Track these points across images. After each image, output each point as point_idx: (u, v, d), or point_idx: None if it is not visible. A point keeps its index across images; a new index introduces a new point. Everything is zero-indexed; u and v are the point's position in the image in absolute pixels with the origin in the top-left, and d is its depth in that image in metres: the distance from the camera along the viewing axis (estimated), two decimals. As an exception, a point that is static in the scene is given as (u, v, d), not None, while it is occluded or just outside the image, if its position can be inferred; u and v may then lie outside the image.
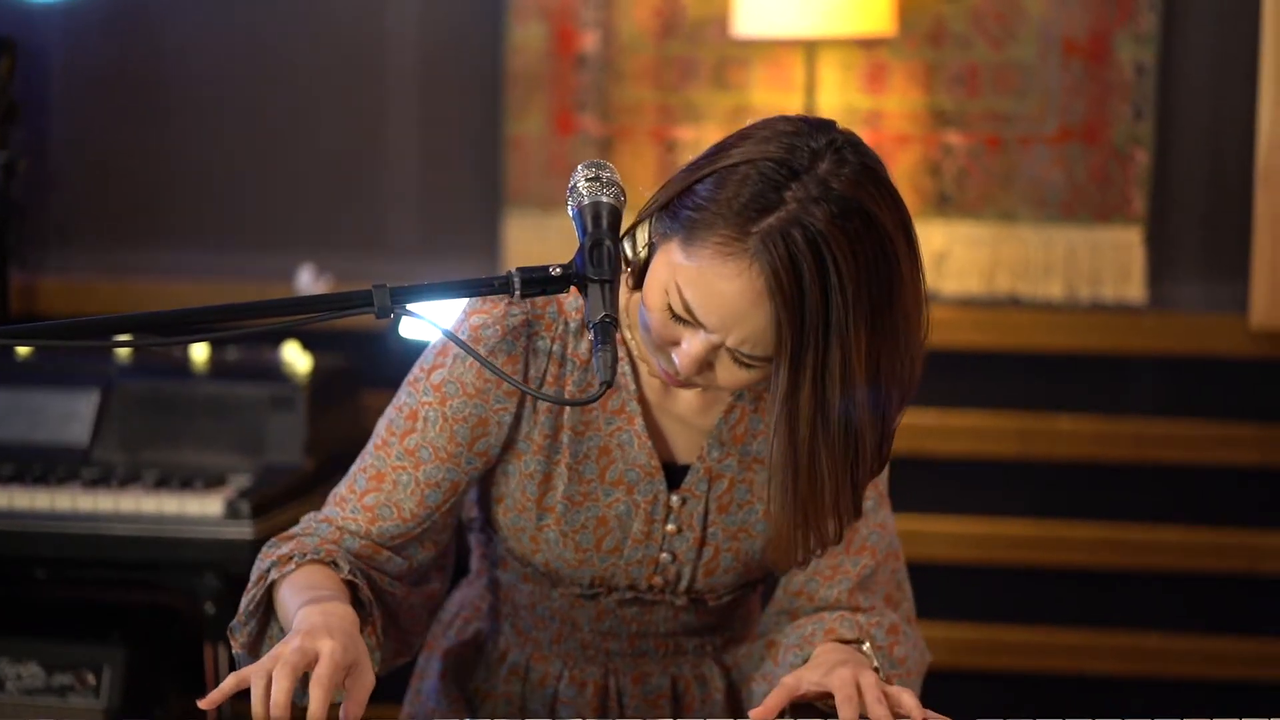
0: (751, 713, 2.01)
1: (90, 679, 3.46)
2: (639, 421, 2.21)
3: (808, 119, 2.02)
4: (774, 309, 1.93)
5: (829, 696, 2.02)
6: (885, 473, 2.27)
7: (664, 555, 2.26)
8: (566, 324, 2.19)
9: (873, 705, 1.98)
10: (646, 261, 2.06)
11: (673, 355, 2.03)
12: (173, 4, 4.39)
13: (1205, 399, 4.17)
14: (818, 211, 1.92)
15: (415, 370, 2.22)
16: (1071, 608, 4.24)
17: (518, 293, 2.00)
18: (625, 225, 2.07)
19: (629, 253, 2.08)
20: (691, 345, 2.00)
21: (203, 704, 1.85)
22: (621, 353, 2.19)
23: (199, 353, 3.74)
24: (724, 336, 1.98)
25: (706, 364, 2.02)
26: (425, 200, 4.36)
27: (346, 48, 4.36)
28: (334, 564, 2.11)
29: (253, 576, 2.14)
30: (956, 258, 4.14)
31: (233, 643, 2.13)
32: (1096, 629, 4.24)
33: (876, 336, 1.96)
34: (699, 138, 4.15)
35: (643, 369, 2.21)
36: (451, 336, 2.06)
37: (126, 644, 3.51)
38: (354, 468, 2.24)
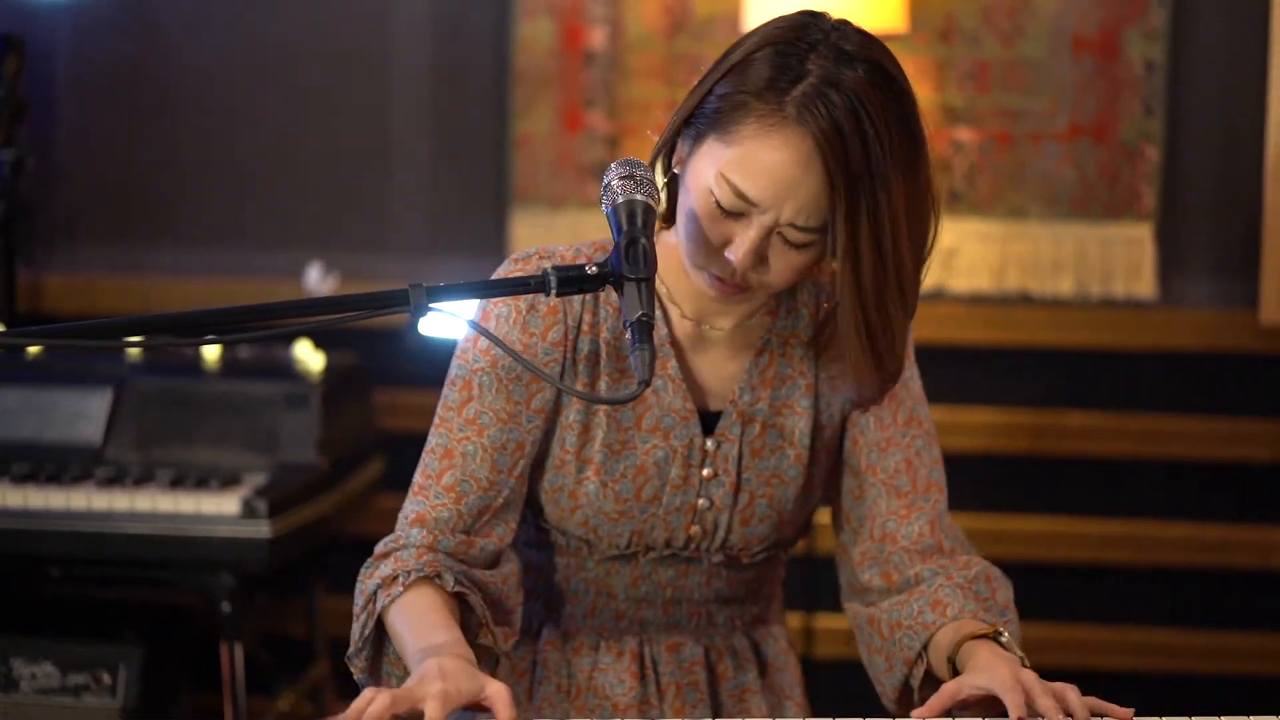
0: (914, 713, 2.06)
1: (105, 678, 3.45)
2: (673, 365, 2.28)
3: (799, 12, 2.15)
4: (824, 167, 2.04)
5: (990, 699, 2.05)
6: (928, 411, 2.41)
7: (701, 501, 2.31)
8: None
9: (1039, 697, 2.01)
10: (672, 195, 2.18)
11: (727, 254, 2.10)
12: (180, 2, 4.38)
13: (1215, 395, 4.17)
14: (846, 72, 2.05)
15: (461, 344, 2.27)
16: (1082, 603, 4.25)
17: (554, 292, 2.01)
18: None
19: (657, 181, 2.16)
20: (745, 236, 2.09)
21: None
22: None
23: (211, 351, 3.72)
24: (778, 213, 2.07)
25: (760, 256, 2.10)
26: (433, 198, 4.36)
27: (353, 45, 4.35)
28: (438, 577, 2.12)
29: (359, 600, 2.16)
30: (966, 254, 4.14)
31: (353, 669, 2.16)
32: (1107, 624, 4.25)
33: (909, 181, 2.10)
34: (708, 134, 4.14)
35: (674, 313, 2.28)
36: (480, 329, 2.09)
37: (142, 643, 3.50)
38: (423, 457, 2.26)
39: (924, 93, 4.12)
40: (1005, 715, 2.01)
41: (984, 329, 4.14)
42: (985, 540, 4.17)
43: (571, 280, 2.01)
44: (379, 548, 2.22)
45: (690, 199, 2.11)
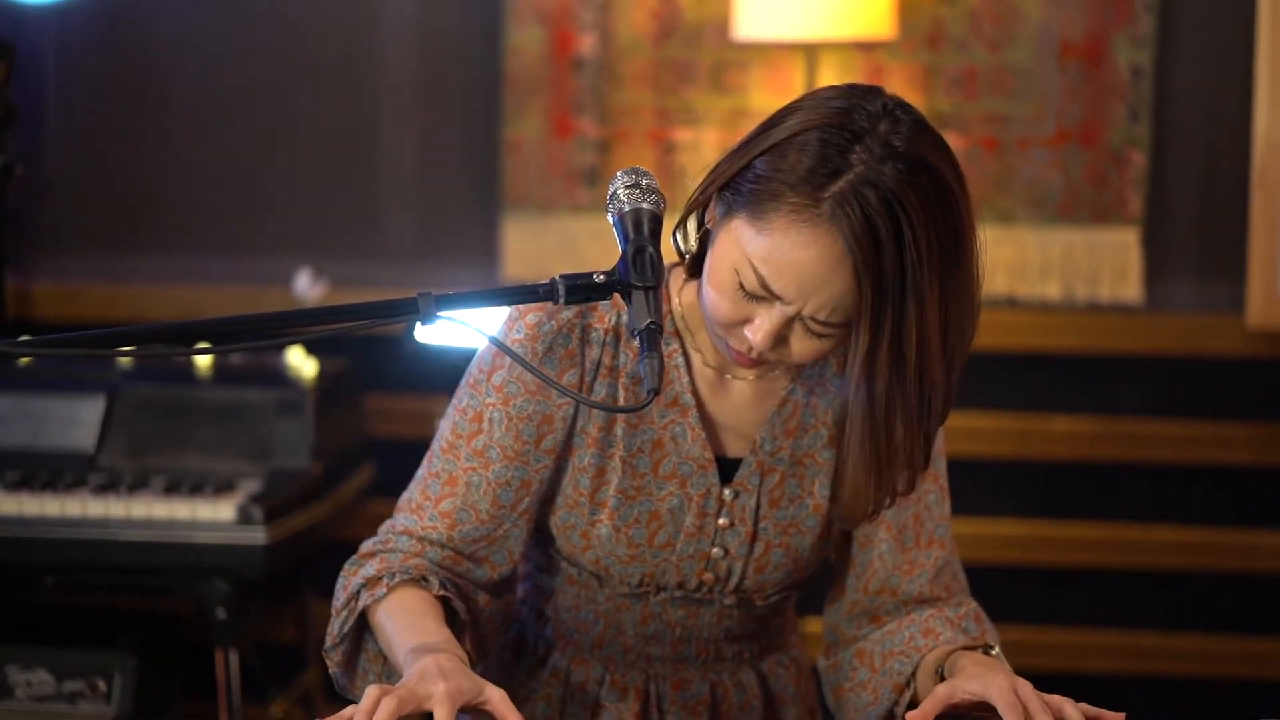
0: (908, 715, 2.04)
1: (101, 685, 3.45)
2: (693, 414, 2.23)
3: (854, 85, 2.06)
4: (853, 271, 1.95)
5: (983, 707, 2.04)
6: (944, 465, 2.33)
7: (716, 550, 2.27)
8: (618, 313, 2.21)
9: (1038, 713, 2.00)
10: (703, 248, 2.10)
11: (745, 332, 2.04)
12: (168, 8, 4.37)
13: (1201, 399, 4.20)
14: (888, 170, 1.94)
15: (474, 372, 2.23)
16: (1067, 607, 4.27)
17: (562, 299, 2.00)
18: (669, 223, 2.08)
19: (681, 244, 2.13)
20: (766, 320, 2.02)
21: None
22: (675, 345, 2.22)
23: (203, 357, 3.71)
24: (801, 306, 2.00)
25: (780, 338, 2.04)
26: (423, 203, 4.36)
27: (343, 51, 4.35)
28: (424, 580, 2.12)
29: (340, 597, 2.15)
30: (954, 259, 4.14)
31: (329, 663, 2.16)
32: (1092, 628, 4.27)
33: (947, 290, 1.99)
34: (697, 140, 4.16)
35: (695, 360, 2.23)
36: (499, 344, 2.08)
37: (136, 650, 3.50)
38: (422, 472, 2.24)
39: (912, 99, 4.10)
40: None
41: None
42: (970, 544, 4.18)
43: (579, 289, 1.99)
44: (365, 546, 2.21)
45: (714, 273, 2.05)
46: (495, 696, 1.91)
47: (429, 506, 2.21)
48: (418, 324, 1.98)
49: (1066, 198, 4.15)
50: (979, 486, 4.20)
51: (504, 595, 2.31)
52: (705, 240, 2.10)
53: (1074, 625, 4.26)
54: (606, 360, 2.21)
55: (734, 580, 2.30)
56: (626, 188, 2.05)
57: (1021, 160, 4.15)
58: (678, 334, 2.23)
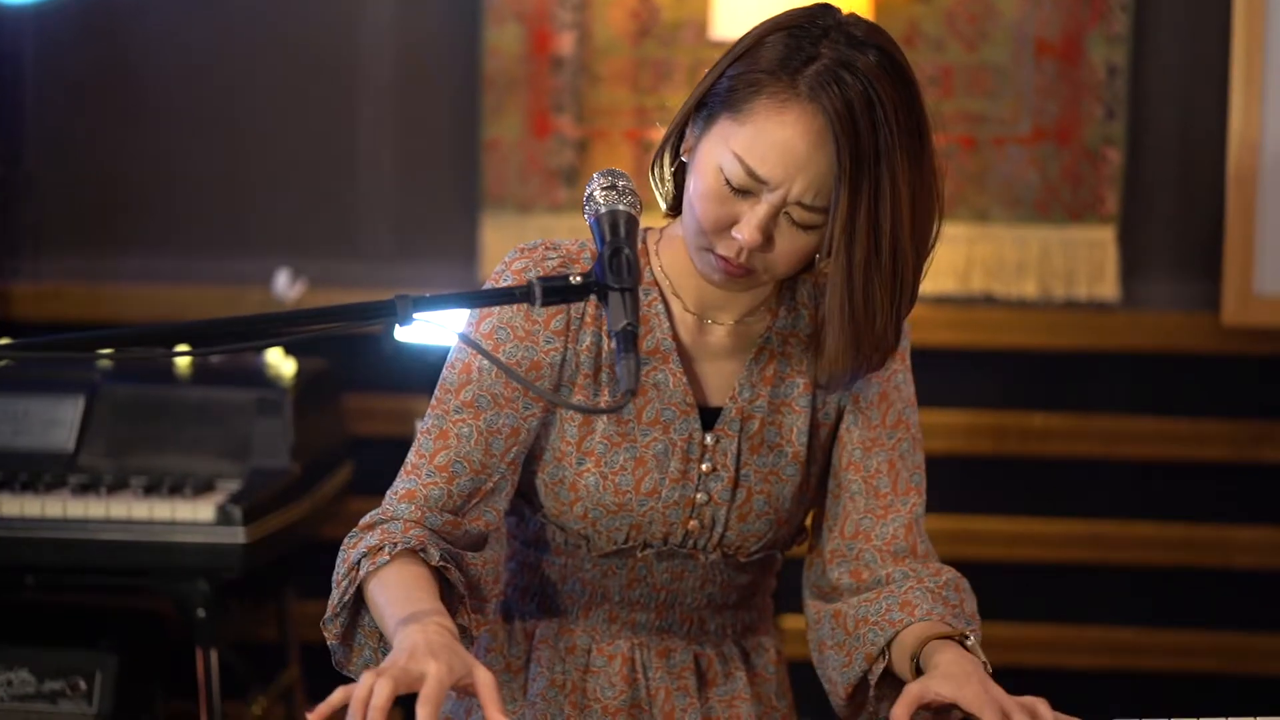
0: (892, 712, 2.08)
1: (82, 685, 3.45)
2: (674, 359, 2.31)
3: (810, 4, 2.21)
4: (834, 144, 2.08)
5: (954, 708, 2.07)
6: (917, 417, 2.43)
7: (700, 495, 2.33)
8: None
9: (1015, 712, 2.04)
10: (680, 183, 2.23)
11: (734, 234, 2.13)
12: (147, 8, 4.36)
13: (1178, 396, 4.21)
14: (858, 55, 2.09)
15: (463, 330, 2.28)
16: (1045, 603, 4.28)
17: (539, 302, 2.03)
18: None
19: (658, 183, 2.27)
20: (754, 213, 2.12)
21: (312, 717, 1.86)
22: (655, 294, 2.31)
23: (182, 358, 3.72)
24: (787, 190, 2.10)
25: (767, 236, 2.13)
26: (401, 203, 4.36)
27: (321, 50, 4.35)
28: (423, 550, 2.13)
29: (341, 568, 2.16)
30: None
31: (326, 635, 2.17)
32: (1070, 624, 4.28)
33: (915, 169, 2.13)
34: (675, 139, 4.16)
35: (676, 307, 2.31)
36: (469, 341, 2.11)
37: (117, 650, 3.50)
38: (417, 436, 2.28)
39: (889, 97, 4.13)
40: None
41: (949, 330, 4.17)
42: (950, 540, 4.20)
43: (556, 290, 2.03)
44: (365, 519, 2.23)
45: (699, 180, 2.15)
46: (482, 680, 1.92)
47: (424, 464, 2.25)
48: (408, 327, 2.00)
49: (1043, 196, 4.16)
50: (956, 484, 4.20)
51: (493, 551, 2.31)
52: (681, 174, 2.23)
53: (1052, 622, 4.27)
54: (591, 309, 2.29)
55: (718, 530, 2.35)
56: (603, 189, 2.10)
57: (998, 158, 4.16)
58: (656, 284, 2.31)
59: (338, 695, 1.88)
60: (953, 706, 2.08)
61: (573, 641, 2.42)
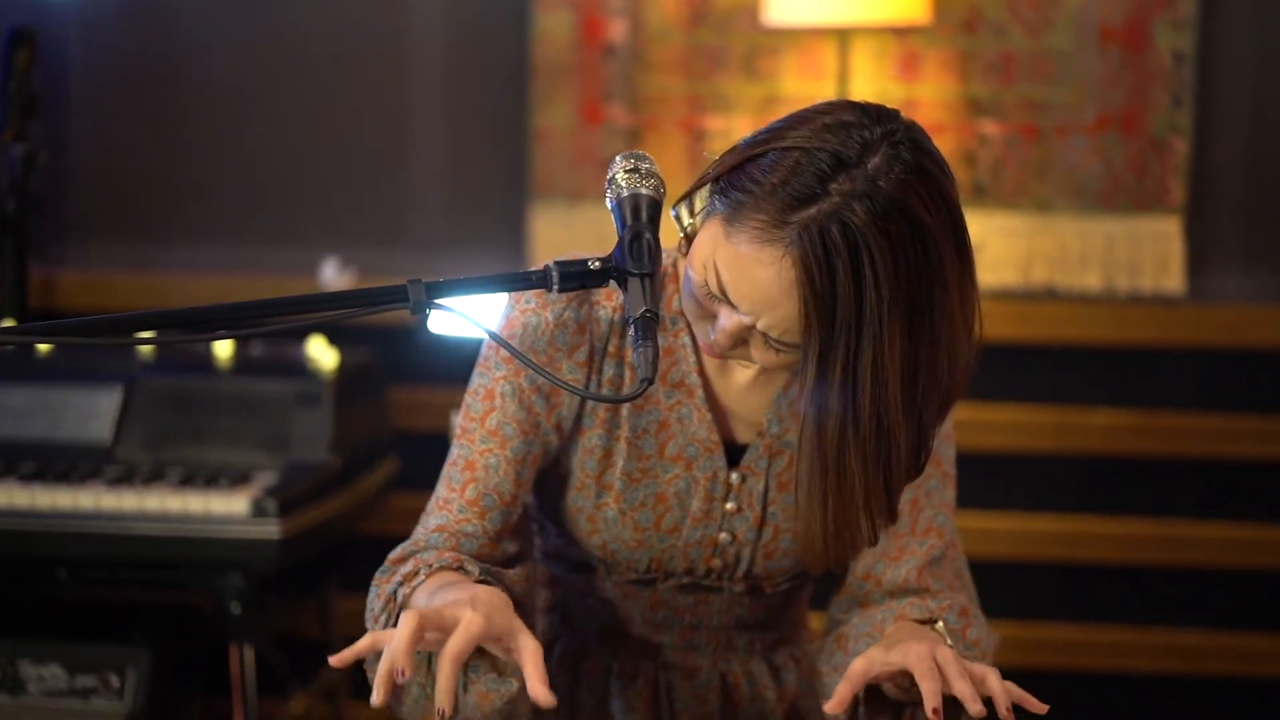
0: (825, 706, 1.94)
1: (114, 680, 3.41)
2: (699, 395, 2.19)
3: (871, 107, 1.95)
4: (803, 300, 1.89)
5: (903, 676, 1.95)
6: (951, 452, 2.26)
7: (723, 535, 2.23)
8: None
9: (955, 679, 1.89)
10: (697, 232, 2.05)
11: (709, 328, 2.01)
12: (192, -5, 4.35)
13: (1245, 392, 4.12)
14: (859, 208, 1.86)
15: (483, 352, 2.19)
16: (1109, 604, 4.19)
17: (556, 286, 1.95)
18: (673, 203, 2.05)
19: (684, 219, 2.05)
20: (726, 322, 1.97)
21: (334, 661, 1.79)
22: (682, 325, 2.18)
23: (222, 349, 3.67)
24: (755, 320, 1.94)
25: (741, 341, 1.99)
26: (451, 192, 4.31)
27: (370, 39, 4.32)
28: (461, 569, 2.04)
29: (376, 603, 2.07)
30: (992, 249, 4.07)
31: (368, 672, 1.98)
32: (1134, 626, 4.19)
33: (913, 339, 1.92)
34: (728, 128, 4.09)
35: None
36: (496, 338, 2.00)
37: (150, 645, 3.45)
38: (444, 469, 2.19)
39: (948, 85, 4.06)
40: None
41: (1009, 324, 4.08)
42: (1007, 540, 4.14)
43: (574, 275, 1.95)
44: (395, 553, 2.13)
45: (693, 260, 1.99)
46: (528, 648, 1.81)
47: (456, 499, 2.16)
48: (424, 314, 1.93)
49: (1107, 186, 4.07)
50: (1017, 481, 4.14)
51: (529, 567, 2.23)
52: (701, 224, 2.04)
53: (1116, 624, 4.18)
54: (615, 340, 2.18)
55: (742, 567, 2.25)
56: (625, 172, 2.01)
57: (1061, 148, 4.07)
58: (682, 314, 2.18)
59: (364, 641, 1.80)
60: (901, 674, 1.94)
61: (592, 662, 2.34)
